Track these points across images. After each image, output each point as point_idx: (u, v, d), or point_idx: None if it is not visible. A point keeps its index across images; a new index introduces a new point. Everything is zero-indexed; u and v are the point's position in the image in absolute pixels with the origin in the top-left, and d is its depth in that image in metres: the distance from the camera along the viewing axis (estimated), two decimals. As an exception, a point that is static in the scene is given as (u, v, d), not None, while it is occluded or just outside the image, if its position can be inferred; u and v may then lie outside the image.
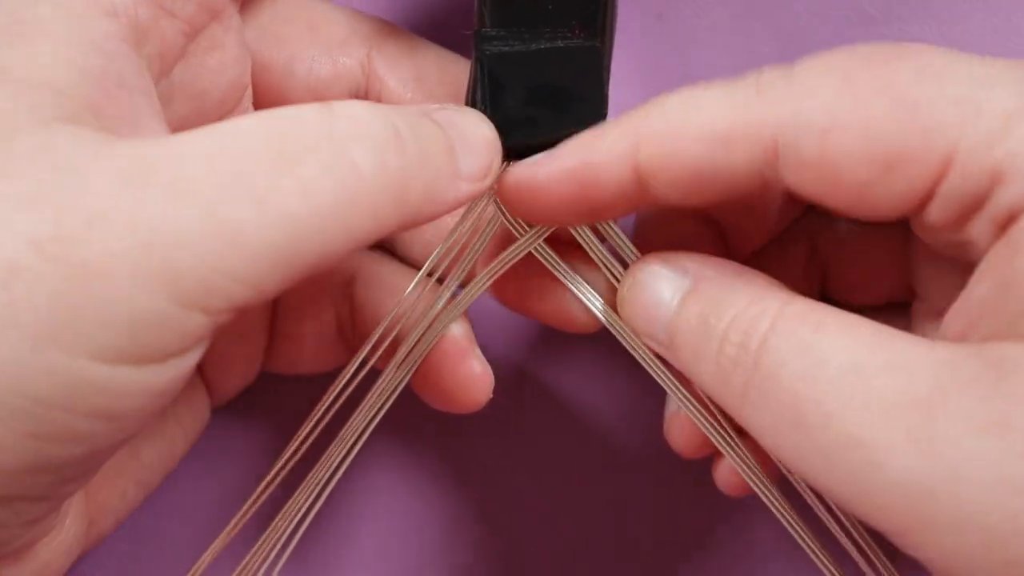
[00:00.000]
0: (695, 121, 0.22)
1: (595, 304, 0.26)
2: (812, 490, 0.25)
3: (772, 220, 0.27)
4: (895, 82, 0.20)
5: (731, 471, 0.26)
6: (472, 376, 0.27)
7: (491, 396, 0.27)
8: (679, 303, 0.23)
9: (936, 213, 0.21)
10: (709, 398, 0.25)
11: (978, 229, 0.21)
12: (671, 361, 0.24)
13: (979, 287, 0.20)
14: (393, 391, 0.26)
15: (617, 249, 0.26)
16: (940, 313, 0.23)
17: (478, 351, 0.27)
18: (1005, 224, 0.20)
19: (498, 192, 0.25)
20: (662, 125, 0.22)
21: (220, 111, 0.26)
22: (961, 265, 0.22)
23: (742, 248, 0.27)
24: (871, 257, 0.26)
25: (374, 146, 0.20)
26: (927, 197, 0.21)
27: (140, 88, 0.22)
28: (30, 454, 0.18)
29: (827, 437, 0.19)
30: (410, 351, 0.26)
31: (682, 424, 0.26)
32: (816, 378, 0.19)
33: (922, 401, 0.18)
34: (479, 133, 0.23)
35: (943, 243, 0.22)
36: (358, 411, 0.26)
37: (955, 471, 0.18)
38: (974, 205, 0.20)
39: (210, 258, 0.18)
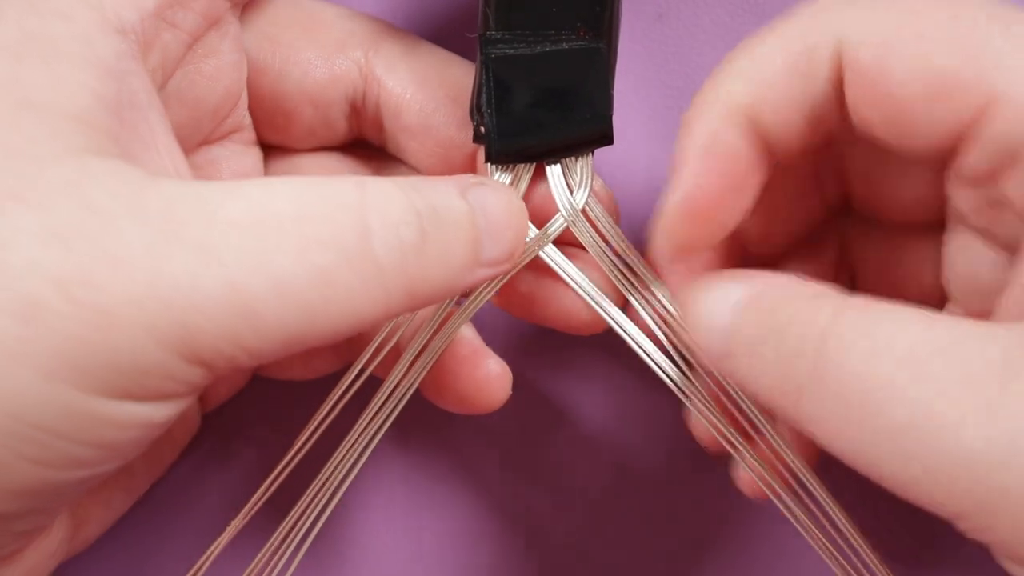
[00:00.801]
0: (767, 53, 0.23)
1: (602, 305, 0.26)
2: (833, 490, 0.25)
3: (797, 223, 0.27)
4: (962, 15, 0.21)
5: (750, 472, 0.26)
6: (492, 376, 0.27)
7: (510, 393, 0.27)
8: (735, 313, 0.23)
9: (973, 156, 0.21)
10: (735, 402, 0.26)
11: (1013, 185, 0.21)
12: (726, 372, 0.23)
13: None
14: (403, 396, 0.26)
15: (620, 253, 0.26)
16: (974, 315, 0.22)
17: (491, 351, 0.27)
18: None
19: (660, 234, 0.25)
20: (743, 70, 0.23)
21: (215, 118, 0.26)
22: (999, 261, 0.22)
23: (762, 253, 0.27)
24: (903, 262, 0.26)
25: (399, 245, 0.21)
26: (966, 131, 0.21)
27: (151, 106, 0.22)
28: (31, 477, 0.19)
29: (895, 416, 0.19)
30: (417, 356, 0.26)
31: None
32: (881, 360, 0.19)
33: (992, 375, 0.18)
34: (509, 217, 0.23)
35: (979, 206, 0.22)
36: (364, 417, 0.26)
37: None
38: (1010, 154, 0.20)
39: (223, 328, 0.19)
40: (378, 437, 0.26)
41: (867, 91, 0.22)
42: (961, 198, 0.23)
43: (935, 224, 0.25)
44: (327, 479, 0.26)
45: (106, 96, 0.21)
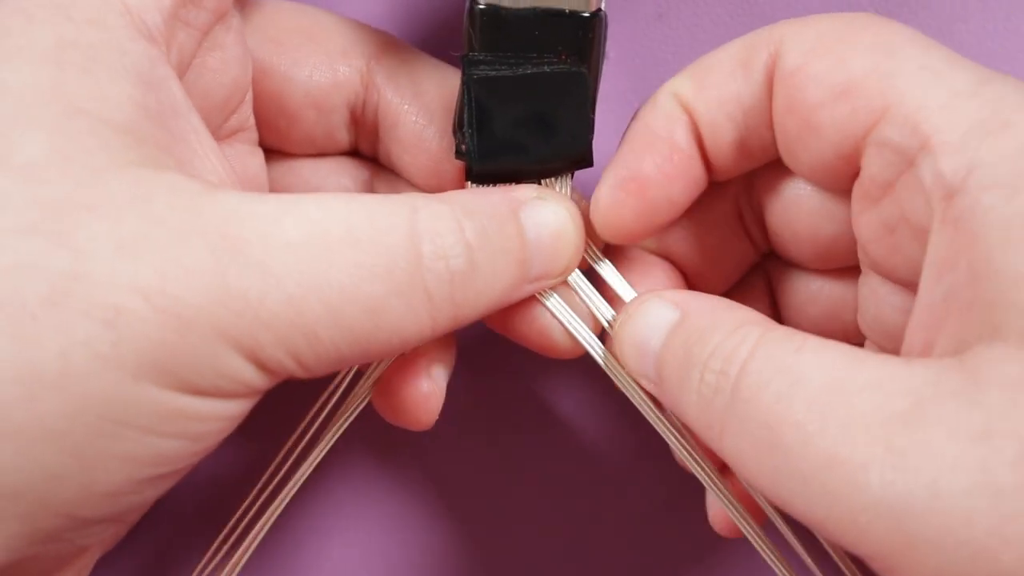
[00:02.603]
0: (719, 57, 0.25)
1: (581, 332, 0.26)
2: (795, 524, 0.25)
3: (731, 264, 0.27)
4: (883, 36, 0.22)
5: (720, 512, 0.26)
6: (419, 395, 0.26)
7: (436, 419, 0.26)
8: (666, 336, 0.23)
9: (872, 165, 0.22)
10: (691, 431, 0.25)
11: (908, 195, 0.21)
12: (660, 398, 0.23)
13: (939, 287, 0.20)
14: (360, 402, 0.26)
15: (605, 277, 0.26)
16: (888, 351, 0.23)
17: (438, 372, 0.27)
18: (931, 194, 0.20)
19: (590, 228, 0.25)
20: (693, 70, 0.25)
21: (223, 112, 0.26)
22: (903, 304, 0.23)
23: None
24: (821, 304, 0.27)
25: (449, 278, 0.22)
26: (865, 137, 0.22)
27: (191, 109, 0.23)
28: (119, 476, 0.20)
29: (805, 458, 0.19)
30: (378, 364, 0.26)
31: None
32: (795, 399, 0.19)
33: (902, 416, 0.18)
34: (561, 235, 0.24)
35: (879, 234, 0.23)
36: (333, 421, 0.27)
37: (935, 482, 0.17)
38: (904, 158, 0.21)
39: (286, 342, 0.20)
40: (334, 439, 0.27)
41: (787, 92, 0.23)
42: (864, 225, 0.23)
43: (849, 270, 0.25)
44: (289, 486, 0.26)
45: (149, 107, 0.21)
